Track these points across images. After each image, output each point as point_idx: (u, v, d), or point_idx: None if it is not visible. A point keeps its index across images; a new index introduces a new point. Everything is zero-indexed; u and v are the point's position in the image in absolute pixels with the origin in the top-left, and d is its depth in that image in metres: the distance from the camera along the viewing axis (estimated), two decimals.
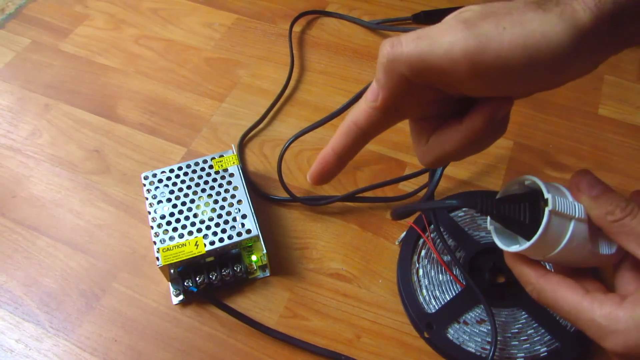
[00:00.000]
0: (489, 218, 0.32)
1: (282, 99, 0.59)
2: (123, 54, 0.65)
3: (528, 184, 0.31)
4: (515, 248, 0.31)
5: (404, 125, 0.58)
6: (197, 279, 0.44)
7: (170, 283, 0.45)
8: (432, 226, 0.46)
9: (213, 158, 0.48)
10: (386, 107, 0.27)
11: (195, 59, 0.64)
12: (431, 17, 0.66)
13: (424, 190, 0.51)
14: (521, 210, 0.30)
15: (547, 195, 0.29)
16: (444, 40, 0.23)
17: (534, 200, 0.30)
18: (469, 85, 0.25)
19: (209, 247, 0.43)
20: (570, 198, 0.30)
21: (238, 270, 0.44)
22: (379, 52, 0.26)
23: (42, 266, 0.48)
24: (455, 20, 0.24)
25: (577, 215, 0.29)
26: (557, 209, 0.29)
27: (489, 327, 0.41)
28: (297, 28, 0.66)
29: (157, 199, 0.46)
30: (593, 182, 0.29)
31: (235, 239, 0.43)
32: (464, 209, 0.49)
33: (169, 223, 0.44)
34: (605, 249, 0.30)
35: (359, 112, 0.29)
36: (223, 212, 0.45)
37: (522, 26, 0.23)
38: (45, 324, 0.44)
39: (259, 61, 0.63)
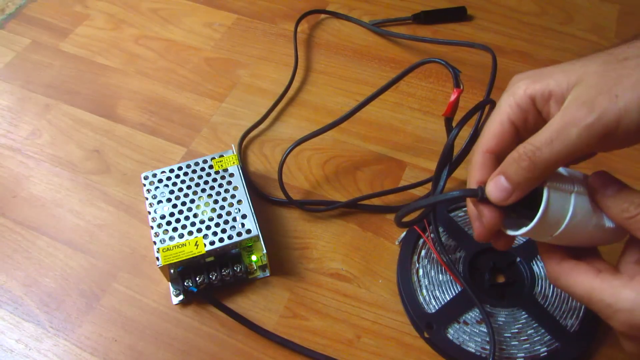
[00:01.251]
0: None
1: (282, 99, 0.59)
2: (123, 54, 0.65)
3: None
4: (521, 231, 0.30)
5: (404, 126, 0.58)
6: (197, 279, 0.44)
7: (170, 283, 0.45)
8: (432, 226, 0.46)
9: (213, 158, 0.48)
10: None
11: (195, 59, 0.64)
12: (431, 17, 0.66)
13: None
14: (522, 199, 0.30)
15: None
16: (574, 132, 0.27)
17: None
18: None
19: (209, 247, 0.43)
20: (567, 173, 0.30)
21: (238, 270, 0.44)
22: (518, 163, 0.29)
23: (42, 266, 0.48)
24: (578, 105, 0.27)
25: (575, 189, 0.30)
26: (555, 184, 0.29)
27: None
28: (297, 28, 0.66)
29: (157, 199, 0.46)
30: (608, 182, 0.30)
31: (235, 239, 0.43)
32: (464, 209, 0.49)
33: (169, 223, 0.44)
34: (611, 221, 0.30)
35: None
36: (223, 212, 0.45)
37: (632, 90, 0.26)
38: (45, 324, 0.44)
39: (259, 61, 0.63)
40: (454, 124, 0.41)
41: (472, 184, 0.32)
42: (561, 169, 0.31)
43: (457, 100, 0.39)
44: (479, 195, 0.30)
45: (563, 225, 0.30)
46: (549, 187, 0.29)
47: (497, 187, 0.30)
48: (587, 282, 0.30)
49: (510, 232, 0.31)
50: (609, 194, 0.30)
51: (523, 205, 0.30)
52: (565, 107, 0.28)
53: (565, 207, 0.30)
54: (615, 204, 0.29)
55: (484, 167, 0.32)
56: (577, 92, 0.28)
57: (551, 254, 0.32)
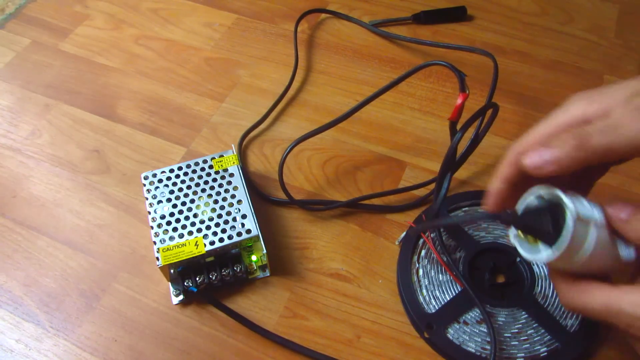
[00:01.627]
0: (511, 231, 0.33)
1: (282, 99, 0.59)
2: (123, 54, 0.65)
3: (543, 193, 0.32)
4: (542, 258, 0.31)
5: (404, 126, 0.58)
6: (197, 279, 0.44)
7: (170, 283, 0.45)
8: None
9: (213, 158, 0.48)
10: (554, 173, 0.31)
11: (195, 59, 0.64)
12: (431, 17, 0.66)
13: (428, 197, 0.51)
14: (543, 220, 0.31)
15: (567, 202, 0.30)
16: (627, 130, 0.28)
17: (555, 208, 0.31)
18: None
19: (209, 247, 0.43)
20: (587, 203, 0.31)
21: (238, 270, 0.44)
22: (567, 141, 0.30)
23: (42, 266, 0.48)
24: (632, 109, 0.29)
25: (598, 220, 0.30)
26: (580, 213, 0.30)
27: None
28: (297, 28, 0.66)
29: (157, 199, 0.46)
30: (621, 207, 0.31)
31: (235, 239, 0.43)
32: (464, 209, 0.49)
33: (169, 223, 0.44)
34: (625, 252, 0.31)
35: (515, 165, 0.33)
36: (223, 212, 0.45)
37: None
38: (45, 324, 0.44)
39: (259, 61, 0.63)
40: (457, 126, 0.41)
41: (497, 179, 0.33)
42: (582, 199, 0.31)
43: (462, 104, 0.39)
44: (503, 218, 0.31)
45: (584, 256, 0.30)
46: (575, 218, 0.29)
47: (536, 153, 0.30)
48: (605, 294, 0.30)
49: (531, 257, 0.32)
50: (624, 218, 0.30)
51: (545, 233, 0.31)
52: (624, 109, 0.29)
53: (588, 239, 0.30)
54: (632, 228, 0.30)
55: (511, 166, 0.33)
56: (638, 100, 0.29)
57: (563, 277, 0.32)
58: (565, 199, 0.30)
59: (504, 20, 0.67)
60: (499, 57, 0.58)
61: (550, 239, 0.30)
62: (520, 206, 0.33)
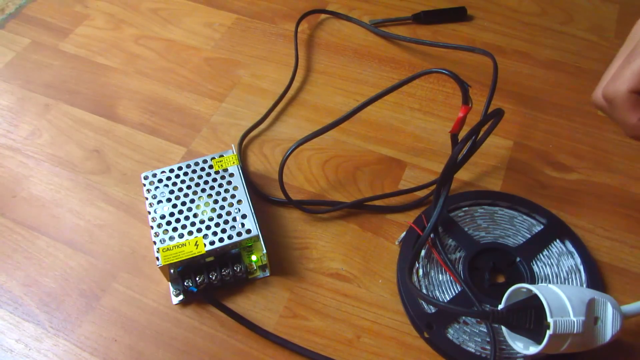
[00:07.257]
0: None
1: (282, 99, 0.59)
2: (123, 54, 0.65)
3: (529, 288, 0.37)
4: (521, 349, 0.37)
5: (404, 126, 0.58)
6: (197, 279, 0.44)
7: (170, 283, 0.45)
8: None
9: (213, 158, 0.48)
10: None
11: (195, 59, 0.64)
12: (431, 17, 0.66)
13: (428, 198, 0.51)
14: (527, 319, 0.36)
15: (549, 319, 0.35)
16: None
17: (538, 307, 0.35)
18: None
19: (209, 247, 0.43)
20: (567, 302, 0.35)
21: (238, 270, 0.44)
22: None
23: (42, 266, 0.48)
24: None
25: (575, 331, 0.34)
26: (557, 332, 0.34)
27: None
28: (297, 28, 0.66)
29: (157, 199, 0.46)
30: None
31: (235, 239, 0.43)
32: (464, 208, 0.49)
33: (169, 223, 0.44)
34: (600, 340, 0.36)
35: None
36: (223, 212, 0.45)
37: None
38: (45, 324, 0.44)
39: (259, 61, 0.63)
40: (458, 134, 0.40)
41: (629, 126, 0.34)
42: (562, 295, 0.36)
43: (464, 117, 0.39)
44: (490, 319, 0.36)
45: (561, 348, 0.36)
46: (550, 336, 0.34)
47: None
48: None
49: (514, 346, 0.38)
50: None
51: (528, 330, 0.36)
52: None
53: (564, 344, 0.35)
54: None
55: (636, 108, 0.34)
56: None
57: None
58: (549, 315, 0.34)
59: (504, 20, 0.67)
60: (498, 57, 0.58)
61: (532, 335, 0.36)
62: (506, 294, 0.39)
